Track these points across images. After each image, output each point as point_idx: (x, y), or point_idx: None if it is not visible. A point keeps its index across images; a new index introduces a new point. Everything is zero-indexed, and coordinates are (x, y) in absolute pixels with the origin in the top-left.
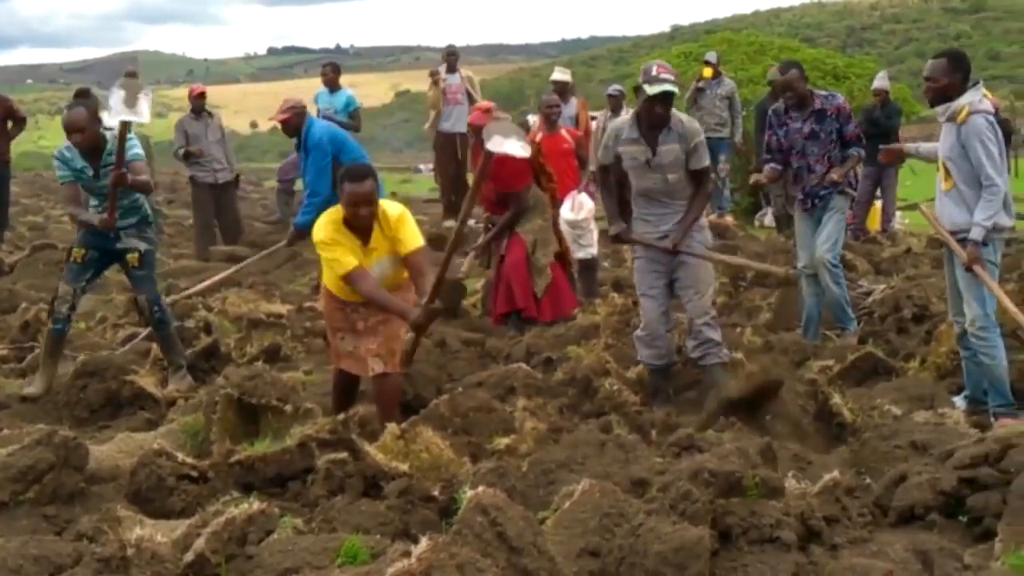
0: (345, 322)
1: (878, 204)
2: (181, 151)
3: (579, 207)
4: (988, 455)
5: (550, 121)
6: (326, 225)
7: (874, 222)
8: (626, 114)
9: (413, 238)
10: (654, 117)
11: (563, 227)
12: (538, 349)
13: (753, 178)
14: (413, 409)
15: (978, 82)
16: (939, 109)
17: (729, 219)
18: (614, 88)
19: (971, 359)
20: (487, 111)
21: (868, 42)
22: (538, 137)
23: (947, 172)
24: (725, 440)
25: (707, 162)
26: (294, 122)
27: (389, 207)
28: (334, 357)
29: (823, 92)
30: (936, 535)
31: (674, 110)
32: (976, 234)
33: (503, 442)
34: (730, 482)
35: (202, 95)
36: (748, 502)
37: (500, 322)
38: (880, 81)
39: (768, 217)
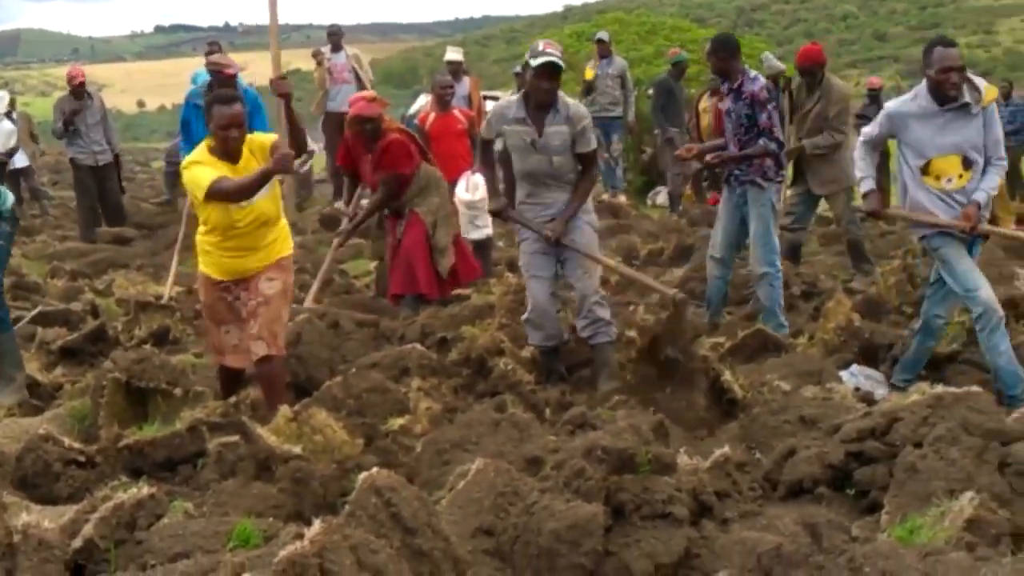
0: (229, 313)
1: None
2: (59, 127)
3: (474, 188)
4: (874, 429)
5: (443, 102)
6: (191, 156)
7: None
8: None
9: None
10: (541, 93)
11: (459, 208)
12: (432, 329)
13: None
14: (306, 391)
15: None
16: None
17: (622, 198)
18: (519, 68)
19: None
20: (372, 100)
21: (758, 22)
22: (431, 117)
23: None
24: (618, 418)
25: (594, 146)
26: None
27: (262, 135)
28: (216, 354)
29: (752, 74)
30: (824, 508)
31: (562, 94)
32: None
33: (397, 423)
34: (623, 459)
35: (82, 84)
36: (641, 478)
37: (396, 302)
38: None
39: (662, 196)
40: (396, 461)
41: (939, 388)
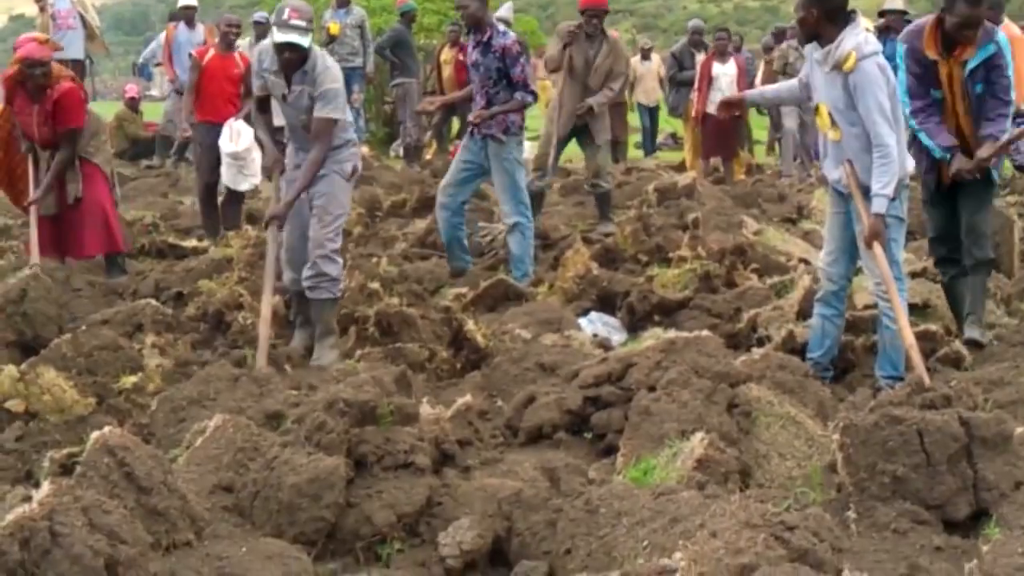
0: None
1: None
2: None
3: (237, 135)
4: (611, 374)
5: (227, 41)
6: None
7: None
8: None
9: None
10: (283, 62)
11: (224, 159)
12: (168, 284)
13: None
14: (33, 350)
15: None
16: (812, 51)
17: (365, 149)
18: (259, 15)
19: (831, 319)
20: (43, 43)
21: None
22: (209, 54)
23: (832, 121)
24: (361, 370)
25: (330, 113)
26: None
27: None
28: None
29: (501, 28)
30: (563, 452)
31: (320, 52)
32: (879, 206)
33: (130, 381)
34: (364, 411)
35: None
36: (383, 430)
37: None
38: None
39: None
40: (130, 420)
41: (671, 333)
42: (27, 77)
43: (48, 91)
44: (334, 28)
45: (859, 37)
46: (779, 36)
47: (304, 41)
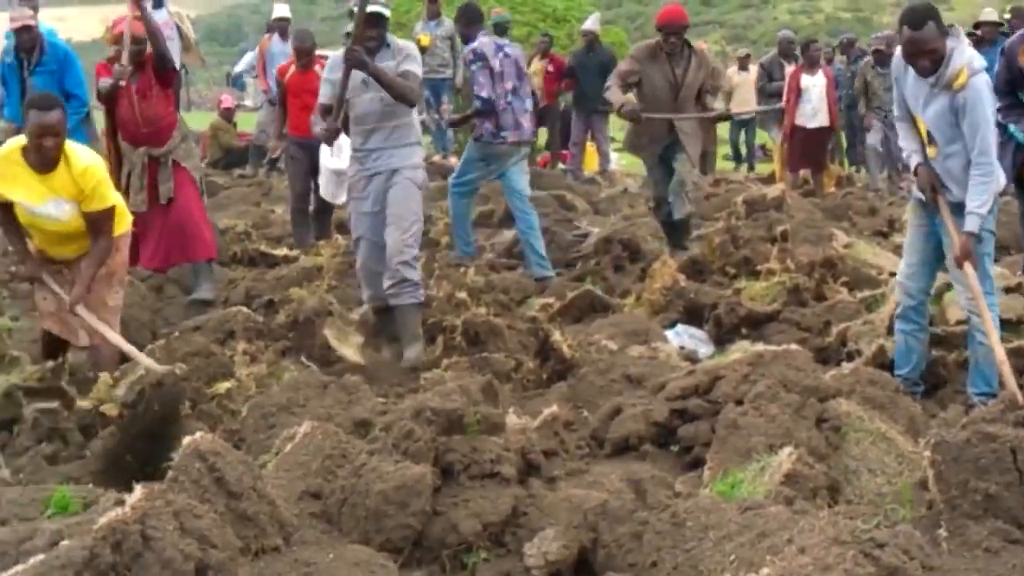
0: (51, 278)
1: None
2: None
3: (339, 151)
4: (698, 386)
5: (302, 61)
6: (1, 151)
7: (591, 164)
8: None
9: (98, 198)
10: (368, 41)
11: (325, 174)
12: (258, 292)
13: None
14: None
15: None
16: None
17: (453, 160)
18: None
19: (913, 335)
20: (139, 19)
21: None
22: (290, 71)
23: (930, 139)
24: (448, 379)
25: (416, 69)
26: (35, 32)
27: (81, 154)
28: (39, 315)
29: (480, 40)
30: (649, 464)
31: (393, 36)
32: (972, 224)
33: (222, 387)
34: (451, 420)
35: None
36: (469, 439)
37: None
38: (589, 23)
39: None
40: (221, 425)
41: (759, 346)
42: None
43: (145, 65)
44: (425, 40)
45: (967, 53)
46: (847, 47)
47: (387, 11)
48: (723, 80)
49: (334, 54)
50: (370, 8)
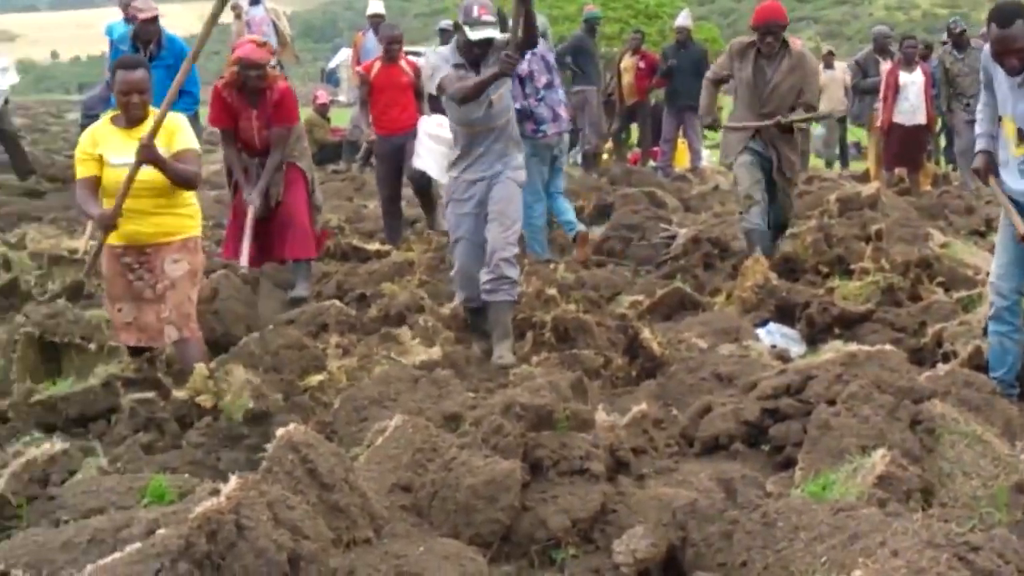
0: (126, 290)
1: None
2: None
3: (439, 125)
4: (789, 386)
5: (390, 55)
6: (89, 131)
7: (683, 161)
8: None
9: (185, 140)
10: (474, 56)
11: (434, 147)
12: (351, 286)
13: None
14: (223, 347)
15: None
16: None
17: None
18: (445, 23)
19: (1007, 336)
20: (261, 45)
21: None
22: (376, 67)
23: (1020, 138)
24: (537, 374)
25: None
26: (158, 25)
27: (175, 124)
28: (115, 330)
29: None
30: (739, 464)
31: (496, 36)
32: None
33: (315, 379)
34: (541, 415)
35: None
36: (558, 435)
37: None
38: (681, 19)
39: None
40: (313, 417)
41: (852, 346)
42: (244, 80)
43: (267, 92)
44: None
45: None
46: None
47: (497, 33)
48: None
49: (440, 51)
50: (478, 35)
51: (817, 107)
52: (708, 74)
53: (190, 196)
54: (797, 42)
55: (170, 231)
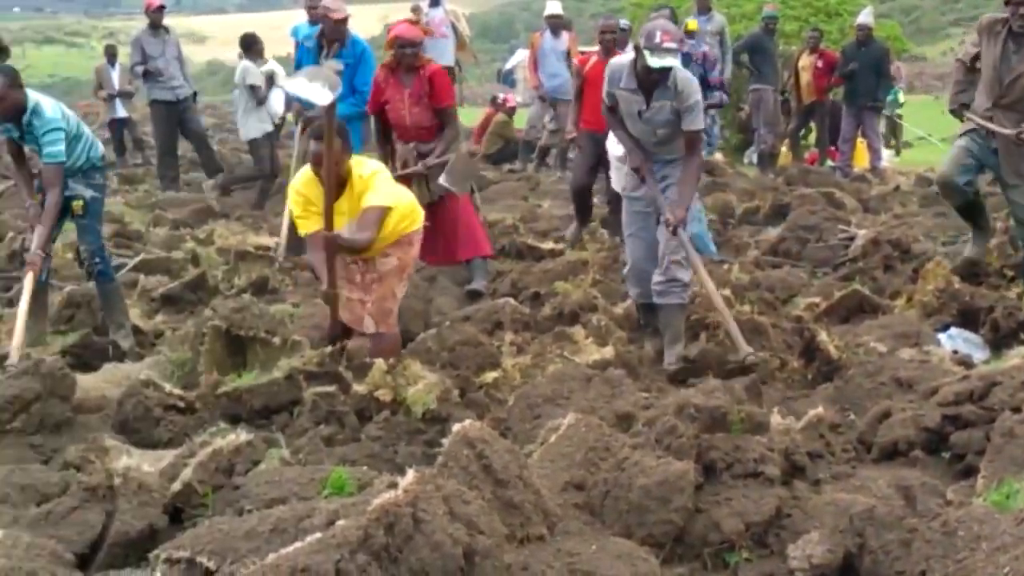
0: (342, 269)
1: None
2: (140, 68)
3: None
4: (972, 392)
5: (605, 47)
6: (300, 178)
7: (862, 160)
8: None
9: (375, 196)
10: (651, 81)
11: (614, 163)
12: (525, 284)
13: None
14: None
15: None
16: None
17: (719, 156)
18: (621, 23)
19: None
20: (414, 23)
21: None
22: (592, 60)
23: None
24: (711, 376)
25: (700, 125)
26: (347, 26)
27: (363, 167)
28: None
29: (692, 40)
30: (919, 471)
31: (677, 66)
32: None
33: (490, 376)
34: (715, 417)
35: (161, 8)
36: (732, 437)
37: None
38: (863, 17)
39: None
40: (488, 414)
41: None
42: (400, 58)
43: (419, 71)
44: (692, 25)
45: None
46: None
47: (677, 62)
48: None
49: (617, 60)
50: (657, 63)
51: None
52: (959, 54)
53: (402, 203)
54: None
55: (386, 240)
